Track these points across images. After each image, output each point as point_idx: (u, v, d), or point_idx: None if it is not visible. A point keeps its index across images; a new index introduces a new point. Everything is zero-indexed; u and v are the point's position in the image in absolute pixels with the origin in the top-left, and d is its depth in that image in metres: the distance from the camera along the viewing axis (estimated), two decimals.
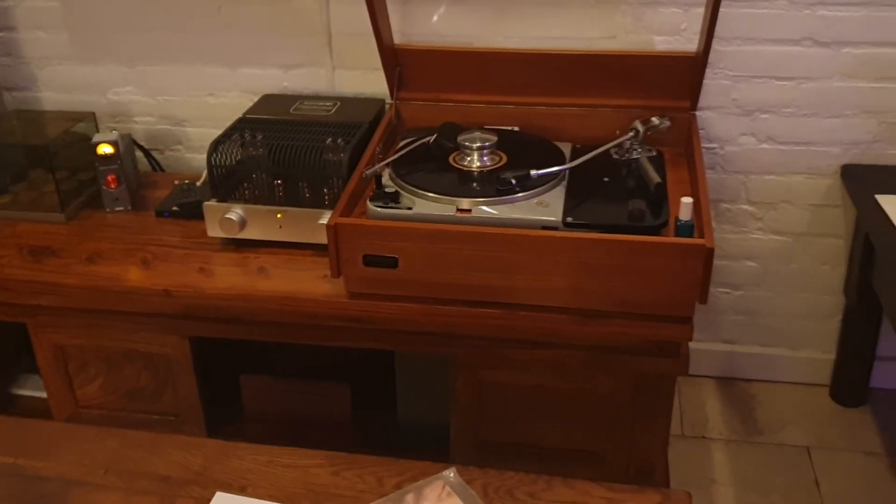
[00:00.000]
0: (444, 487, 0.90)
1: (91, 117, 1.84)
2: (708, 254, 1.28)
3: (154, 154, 1.99)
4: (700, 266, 1.29)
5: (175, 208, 1.72)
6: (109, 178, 1.72)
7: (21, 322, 1.61)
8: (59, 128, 1.78)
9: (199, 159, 1.99)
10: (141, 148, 1.96)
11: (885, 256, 1.52)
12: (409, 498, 0.89)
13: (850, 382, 1.94)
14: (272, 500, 0.89)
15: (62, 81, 1.97)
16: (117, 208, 1.75)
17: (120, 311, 1.54)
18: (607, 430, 1.50)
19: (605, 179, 1.49)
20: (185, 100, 1.94)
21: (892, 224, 1.54)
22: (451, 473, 0.91)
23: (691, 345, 1.88)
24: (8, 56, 1.95)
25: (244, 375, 1.69)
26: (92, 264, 1.58)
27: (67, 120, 1.82)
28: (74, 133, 1.80)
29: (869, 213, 1.61)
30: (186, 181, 1.80)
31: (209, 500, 0.90)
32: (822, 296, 1.92)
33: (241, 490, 0.91)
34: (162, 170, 2.00)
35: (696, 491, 1.70)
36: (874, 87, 1.69)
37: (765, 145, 1.78)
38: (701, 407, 1.95)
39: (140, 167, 1.88)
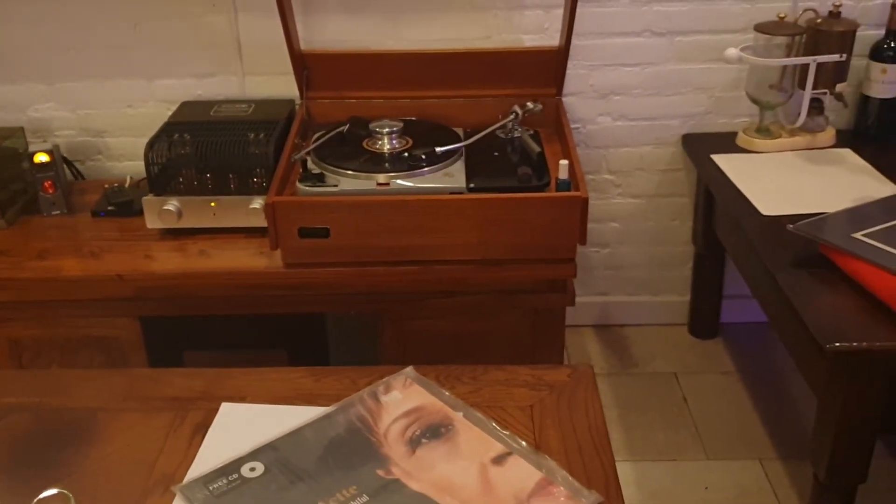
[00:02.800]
0: (406, 379, 1.15)
1: (20, 132, 1.97)
2: (583, 203, 1.59)
3: (76, 164, 2.13)
4: (577, 213, 1.59)
5: (110, 207, 1.88)
6: (46, 184, 1.87)
7: None
8: None
9: (120, 167, 2.15)
10: (63, 159, 2.09)
11: (722, 202, 1.87)
12: (381, 389, 1.13)
13: (703, 319, 2.31)
14: (270, 404, 1.12)
15: None
16: (54, 212, 1.90)
17: (73, 299, 1.70)
18: (513, 360, 1.77)
19: (496, 154, 1.78)
20: (105, 112, 2.10)
21: (725, 175, 1.90)
22: (409, 370, 1.16)
23: None
24: None
25: (188, 351, 1.87)
26: (42, 260, 1.73)
27: None
28: (4, 148, 1.93)
29: (707, 170, 1.96)
30: (116, 184, 1.96)
31: (216, 410, 1.11)
32: (675, 247, 2.28)
33: (242, 399, 1.13)
34: (84, 178, 2.14)
35: None
36: (703, 67, 2.06)
37: (619, 122, 2.13)
38: (584, 350, 2.27)
39: None
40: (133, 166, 2.12)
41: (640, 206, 2.22)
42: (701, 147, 2.06)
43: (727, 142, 2.05)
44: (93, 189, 2.02)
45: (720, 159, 1.97)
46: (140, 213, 1.85)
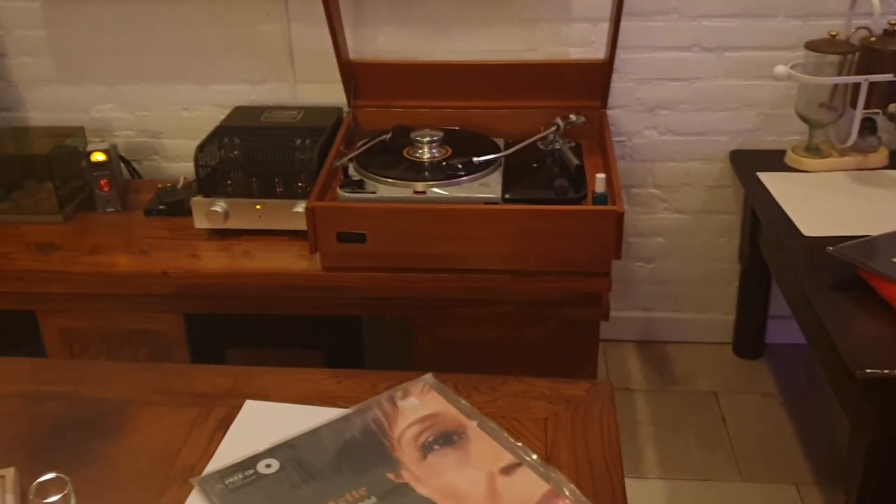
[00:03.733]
0: (424, 386, 1.17)
1: (81, 132, 2.06)
2: (619, 217, 1.59)
3: (133, 164, 2.21)
4: (613, 228, 1.59)
5: (162, 207, 1.95)
6: (102, 182, 1.95)
7: (30, 309, 1.82)
8: (53, 141, 2.00)
9: (175, 167, 2.23)
10: (122, 158, 2.18)
11: (766, 222, 1.85)
12: (398, 394, 1.15)
13: (748, 338, 2.28)
14: (292, 403, 1.15)
15: (48, 102, 2.19)
16: (109, 209, 1.98)
17: (122, 293, 1.77)
18: (545, 373, 1.77)
19: (534, 165, 1.79)
20: (162, 114, 2.18)
21: (772, 196, 1.87)
22: (429, 377, 1.18)
23: (613, 313, 2.18)
24: None
25: (230, 349, 1.93)
26: (95, 255, 1.80)
27: (58, 135, 2.04)
28: (66, 146, 2.02)
29: (753, 189, 1.93)
30: (168, 184, 2.03)
31: (240, 407, 1.15)
32: (721, 265, 2.25)
33: (265, 398, 1.16)
34: (140, 177, 2.23)
35: (623, 431, 1.99)
36: (752, 83, 2.04)
37: (665, 137, 2.11)
38: (624, 365, 2.26)
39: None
40: (187, 167, 2.19)
41: (687, 221, 2.20)
42: (749, 164, 2.04)
43: (776, 159, 2.02)
44: (147, 188, 2.09)
45: (766, 178, 1.94)
46: (189, 212, 1.92)
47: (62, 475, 0.76)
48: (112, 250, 1.82)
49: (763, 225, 2.01)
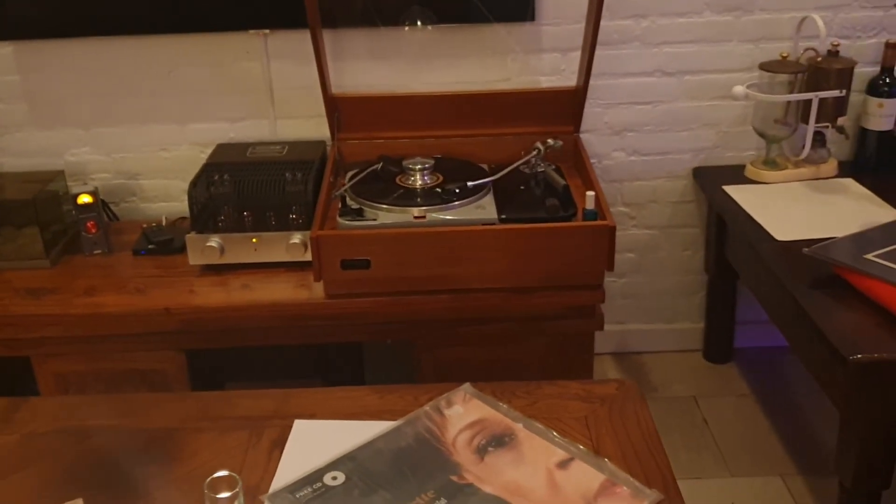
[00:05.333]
0: (465, 395, 1.22)
1: (61, 176, 2.06)
2: (611, 231, 1.68)
3: (111, 206, 2.21)
4: (606, 241, 1.68)
5: (151, 246, 1.96)
6: (89, 224, 1.94)
7: (24, 355, 1.79)
8: (35, 187, 1.98)
9: (154, 207, 2.23)
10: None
11: (735, 228, 1.97)
12: (443, 403, 1.20)
13: (718, 344, 2.40)
14: (340, 419, 1.18)
15: (21, 147, 2.17)
16: (96, 251, 1.97)
17: (121, 333, 1.76)
18: None
19: (522, 187, 1.87)
20: (139, 156, 2.19)
21: (738, 204, 1.99)
22: (467, 386, 1.24)
23: None
24: None
25: (229, 383, 1.94)
26: (90, 297, 1.80)
27: (38, 180, 2.03)
28: (48, 190, 2.01)
29: (720, 200, 2.06)
30: (154, 224, 2.04)
31: (289, 427, 1.18)
32: (688, 276, 2.37)
33: (312, 416, 1.20)
34: (118, 219, 2.22)
35: None
36: (711, 104, 2.17)
37: (633, 157, 2.23)
38: (603, 376, 2.34)
39: None
40: (167, 207, 2.20)
41: (654, 236, 2.32)
42: (711, 179, 2.16)
43: (736, 174, 2.16)
44: (129, 229, 2.09)
45: (732, 190, 2.07)
46: (179, 250, 1.93)
47: (234, 473, 0.79)
48: (106, 291, 1.81)
49: (731, 234, 2.13)
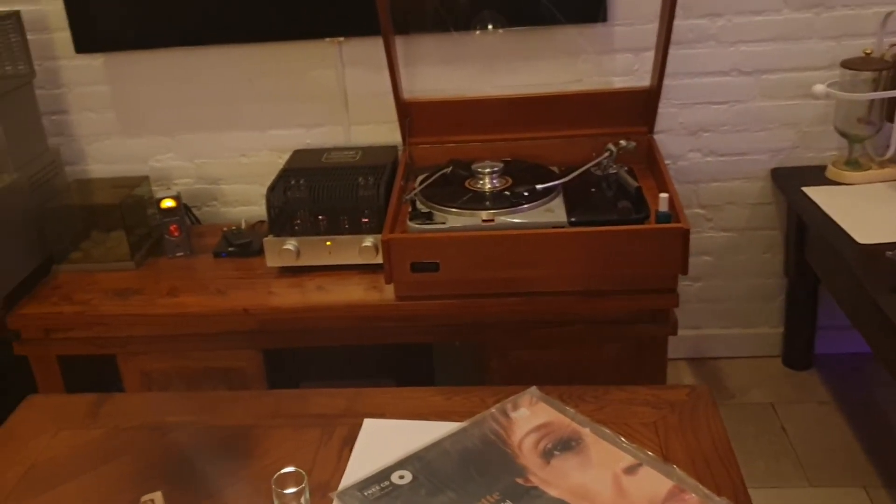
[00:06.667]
0: (532, 398, 1.23)
1: (146, 181, 2.14)
2: (685, 234, 1.65)
3: (193, 210, 2.29)
4: (679, 244, 1.66)
5: (231, 249, 2.02)
6: (172, 227, 2.02)
7: (111, 353, 1.87)
8: (122, 192, 2.07)
9: (234, 211, 2.30)
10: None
11: (816, 231, 1.92)
12: (509, 406, 1.21)
13: (798, 350, 2.33)
14: (408, 419, 1.21)
15: (109, 154, 2.27)
16: (178, 254, 2.04)
17: (202, 333, 1.83)
18: None
19: (592, 190, 1.86)
20: (221, 161, 2.26)
21: (819, 207, 1.94)
22: (534, 389, 1.24)
23: None
24: (61, 136, 2.25)
25: (304, 382, 1.98)
26: (173, 297, 1.86)
27: (125, 185, 2.12)
28: (134, 195, 2.09)
29: (799, 202, 2.01)
30: (234, 227, 2.10)
31: (359, 425, 1.20)
32: (767, 279, 2.31)
33: (382, 415, 1.22)
34: (200, 223, 2.30)
35: None
36: (789, 104, 2.12)
37: (708, 158, 2.19)
38: (678, 382, 2.31)
39: None
40: (247, 211, 2.27)
41: (732, 239, 2.27)
42: (791, 180, 2.11)
43: (816, 175, 2.10)
44: (210, 233, 2.16)
45: (812, 191, 2.02)
46: (257, 253, 1.99)
47: (300, 469, 0.82)
48: (189, 292, 1.88)
49: (811, 236, 2.08)
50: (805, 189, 2.03)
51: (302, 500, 0.83)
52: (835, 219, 1.87)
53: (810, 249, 2.11)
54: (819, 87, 1.96)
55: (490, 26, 2.09)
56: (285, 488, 0.81)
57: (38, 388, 1.91)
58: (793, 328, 2.32)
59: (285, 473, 0.82)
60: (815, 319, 2.29)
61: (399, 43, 2.08)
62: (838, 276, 1.90)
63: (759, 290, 2.33)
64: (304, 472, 0.82)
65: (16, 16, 2.04)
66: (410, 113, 2.07)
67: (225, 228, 2.11)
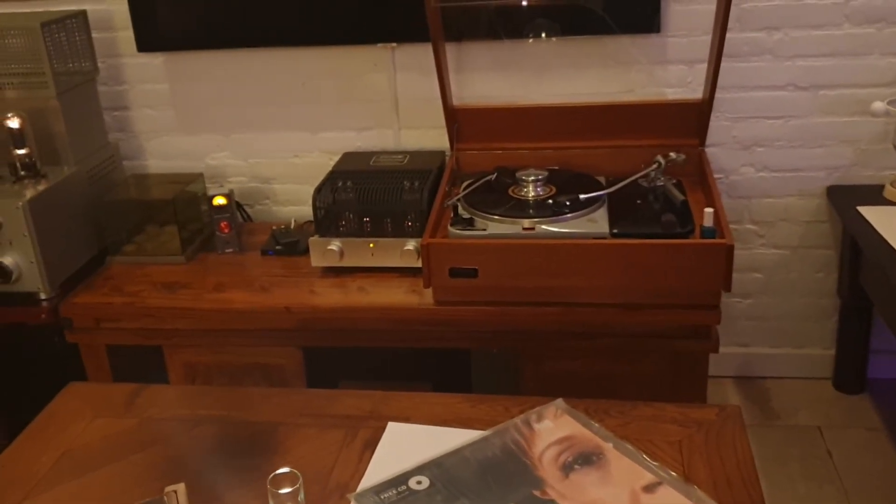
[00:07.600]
0: (557, 410, 1.22)
1: (200, 178, 2.20)
2: (729, 250, 1.62)
3: (245, 207, 2.34)
4: (723, 260, 1.63)
5: (278, 247, 2.06)
6: (223, 224, 2.07)
7: (157, 345, 1.93)
8: (176, 188, 2.13)
9: (285, 211, 2.34)
10: (235, 202, 2.30)
11: (871, 254, 1.86)
12: (533, 417, 1.21)
13: (849, 373, 2.27)
14: (431, 425, 1.21)
15: (166, 150, 2.34)
16: (228, 250, 2.09)
17: (245, 328, 1.86)
18: None
19: (638, 202, 1.84)
20: (273, 161, 2.31)
21: (874, 228, 1.88)
22: (560, 401, 1.24)
23: None
24: (121, 132, 2.32)
25: (343, 380, 2.01)
26: (219, 292, 1.91)
27: (179, 181, 2.18)
28: (188, 191, 2.15)
29: (854, 223, 1.95)
30: (282, 226, 2.14)
31: (383, 428, 1.22)
32: (820, 299, 2.25)
33: (406, 420, 1.23)
34: (252, 220, 2.34)
35: None
36: (847, 120, 2.06)
37: (762, 173, 2.15)
38: (723, 400, 2.26)
39: None
40: (297, 210, 2.31)
41: (784, 257, 2.22)
42: (846, 199, 2.06)
43: (874, 194, 2.04)
44: (260, 230, 2.21)
45: (866, 211, 1.96)
46: (304, 252, 2.02)
47: (295, 470, 0.83)
48: (234, 288, 1.92)
49: (865, 258, 2.02)
50: (861, 209, 1.97)
51: (298, 500, 0.84)
52: (890, 242, 1.82)
53: (864, 271, 2.05)
54: (879, 105, 1.90)
55: (543, 34, 2.09)
56: (280, 488, 0.82)
57: (87, 376, 1.97)
58: (844, 350, 2.25)
59: (280, 474, 0.84)
60: (867, 342, 2.23)
61: (451, 50, 2.09)
62: (891, 301, 1.84)
63: (811, 310, 2.27)
64: (298, 473, 0.84)
65: (82, 15, 2.12)
66: (458, 119, 2.08)
67: (274, 227, 2.15)
